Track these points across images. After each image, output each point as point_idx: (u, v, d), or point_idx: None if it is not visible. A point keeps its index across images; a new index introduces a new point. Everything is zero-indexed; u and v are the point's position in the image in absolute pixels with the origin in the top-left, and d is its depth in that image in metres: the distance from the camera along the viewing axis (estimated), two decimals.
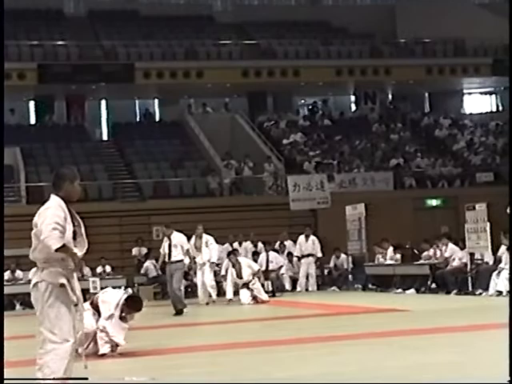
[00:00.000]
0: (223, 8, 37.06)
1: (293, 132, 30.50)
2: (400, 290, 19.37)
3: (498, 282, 16.18)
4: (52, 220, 5.93)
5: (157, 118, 33.89)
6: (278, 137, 30.43)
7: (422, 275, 19.05)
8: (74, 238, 6.11)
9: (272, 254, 21.66)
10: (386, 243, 21.18)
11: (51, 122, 31.29)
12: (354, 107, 35.28)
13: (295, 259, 22.46)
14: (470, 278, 17.58)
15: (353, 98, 35.27)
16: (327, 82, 32.05)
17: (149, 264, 22.61)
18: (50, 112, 31.53)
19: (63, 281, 5.98)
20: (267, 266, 21.01)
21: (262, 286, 18.70)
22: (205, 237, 18.78)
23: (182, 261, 16.33)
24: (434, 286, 18.73)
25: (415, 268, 19.75)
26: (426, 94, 36.05)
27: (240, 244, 22.70)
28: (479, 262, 18.23)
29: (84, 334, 8.41)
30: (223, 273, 19.90)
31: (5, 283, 19.65)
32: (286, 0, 37.91)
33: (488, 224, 17.36)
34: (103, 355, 9.41)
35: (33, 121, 32.16)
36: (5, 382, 5.97)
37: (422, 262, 19.77)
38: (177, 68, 30.44)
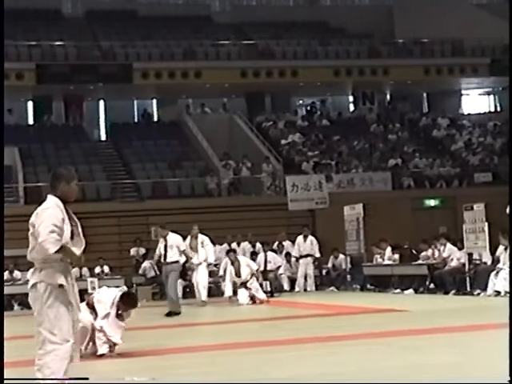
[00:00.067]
0: (221, 8, 37.12)
1: (291, 132, 30.50)
2: (398, 291, 19.35)
3: (496, 282, 16.18)
4: (50, 222, 5.93)
5: (155, 119, 33.90)
6: (276, 137, 30.42)
7: (420, 275, 19.03)
8: (72, 237, 6.11)
9: (270, 254, 21.69)
10: (384, 243, 21.16)
11: (49, 122, 31.29)
12: (352, 107, 35.30)
13: (293, 259, 22.42)
14: (468, 279, 17.58)
15: (351, 98, 35.30)
16: (325, 82, 32.09)
17: (147, 264, 22.60)
18: (48, 112, 31.53)
19: (62, 281, 5.98)
20: (265, 266, 21.03)
21: (261, 285, 18.70)
22: (200, 237, 18.70)
23: (177, 262, 16.33)
24: (432, 286, 18.72)
25: (413, 268, 19.72)
26: (424, 94, 36.10)
27: (238, 244, 22.67)
28: (477, 262, 18.23)
29: (81, 329, 8.37)
30: (221, 273, 19.91)
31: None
32: (284, 0, 37.96)
33: (486, 224, 17.36)
34: (102, 355, 9.45)
35: (31, 121, 32.15)
36: (5, 382, 5.97)
37: (420, 262, 19.72)
38: (175, 68, 30.47)
